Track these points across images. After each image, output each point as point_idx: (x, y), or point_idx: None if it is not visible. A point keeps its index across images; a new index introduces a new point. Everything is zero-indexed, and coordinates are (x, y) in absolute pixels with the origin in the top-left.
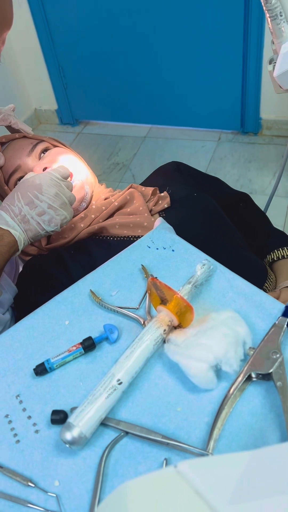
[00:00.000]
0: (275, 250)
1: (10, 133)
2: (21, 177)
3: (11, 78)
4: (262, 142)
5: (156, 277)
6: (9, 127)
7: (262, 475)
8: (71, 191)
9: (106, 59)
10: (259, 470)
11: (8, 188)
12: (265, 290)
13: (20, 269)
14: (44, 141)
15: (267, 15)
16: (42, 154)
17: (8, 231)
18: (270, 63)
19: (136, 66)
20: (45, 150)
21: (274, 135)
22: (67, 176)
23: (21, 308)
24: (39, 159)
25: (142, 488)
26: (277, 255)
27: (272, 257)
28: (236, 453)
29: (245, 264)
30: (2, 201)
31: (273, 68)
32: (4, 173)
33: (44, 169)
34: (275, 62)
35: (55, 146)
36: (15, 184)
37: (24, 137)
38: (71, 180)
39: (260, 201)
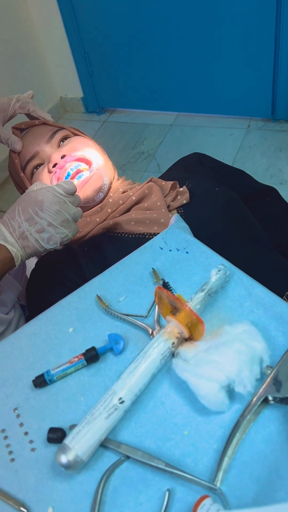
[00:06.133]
0: None
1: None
2: (39, 165)
3: (37, 66)
4: None
5: (167, 282)
6: (28, 115)
7: None
8: (78, 205)
9: (132, 45)
10: None
11: (24, 175)
12: None
13: (32, 265)
14: (64, 128)
15: None
16: (62, 142)
17: (5, 246)
18: None
19: (162, 52)
20: (64, 138)
21: None
22: (73, 192)
23: (33, 307)
24: (58, 146)
25: None
26: None
27: None
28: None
29: (269, 264)
30: (17, 188)
31: None
32: (21, 159)
33: (63, 156)
34: None
35: (75, 134)
36: (32, 172)
37: (44, 124)
38: (82, 187)
39: None
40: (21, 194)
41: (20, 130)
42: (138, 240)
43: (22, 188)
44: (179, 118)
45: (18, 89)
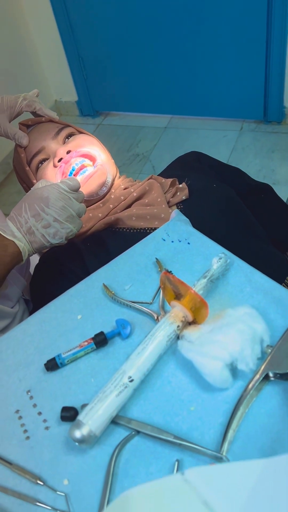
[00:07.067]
0: None
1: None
2: (44, 160)
3: (32, 70)
4: (285, 131)
5: (170, 271)
6: (34, 113)
7: (277, 485)
8: (82, 201)
9: (126, 49)
10: (273, 480)
11: (29, 169)
12: (286, 285)
13: (36, 261)
14: (70, 126)
15: None
16: (67, 139)
17: (13, 242)
18: None
19: (156, 55)
20: (70, 135)
21: None
22: (77, 188)
23: (37, 301)
24: (63, 143)
25: (147, 496)
26: None
27: None
28: (249, 461)
29: (265, 258)
30: (20, 183)
31: None
32: (27, 154)
33: (68, 152)
34: None
35: (80, 132)
36: (37, 166)
37: (51, 121)
38: (85, 183)
39: (283, 192)
40: (24, 189)
41: (26, 126)
42: (139, 235)
43: (26, 183)
44: (173, 120)
45: (13, 93)
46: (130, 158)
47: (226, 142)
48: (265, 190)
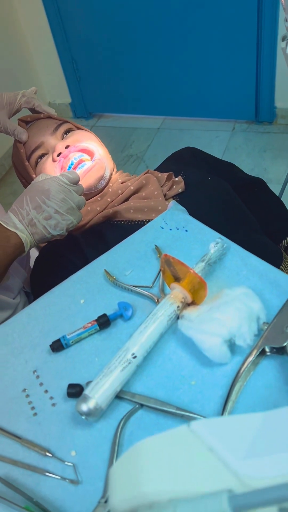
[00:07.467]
0: None
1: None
2: (43, 155)
3: (25, 72)
4: (277, 131)
5: None
6: (33, 110)
7: (277, 433)
8: (81, 194)
9: (119, 51)
10: (273, 429)
11: (29, 164)
12: None
13: (35, 254)
14: (68, 122)
15: None
16: (65, 135)
17: (16, 233)
18: (283, 40)
19: (148, 57)
20: (68, 131)
21: None
22: (77, 181)
23: (38, 293)
24: (62, 138)
25: (156, 446)
26: None
27: None
28: (250, 414)
29: (259, 248)
30: (19, 178)
31: (286, 45)
32: (26, 149)
33: (67, 147)
34: None
35: (78, 128)
36: (36, 161)
37: (49, 117)
38: (84, 175)
39: (275, 191)
40: (23, 184)
41: (25, 122)
42: (137, 227)
43: (24, 178)
44: (166, 121)
45: None
46: (124, 159)
47: (219, 142)
48: (258, 184)
